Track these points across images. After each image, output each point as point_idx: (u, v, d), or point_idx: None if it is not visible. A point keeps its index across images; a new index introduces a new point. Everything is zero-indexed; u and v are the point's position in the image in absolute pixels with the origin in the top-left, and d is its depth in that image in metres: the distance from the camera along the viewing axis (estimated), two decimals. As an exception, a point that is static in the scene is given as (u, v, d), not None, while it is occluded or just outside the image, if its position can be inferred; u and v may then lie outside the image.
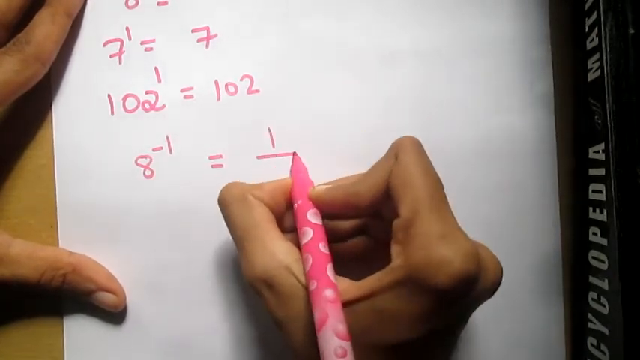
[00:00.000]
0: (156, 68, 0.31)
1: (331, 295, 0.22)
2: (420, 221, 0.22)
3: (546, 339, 0.30)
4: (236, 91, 0.31)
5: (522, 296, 0.30)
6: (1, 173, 0.31)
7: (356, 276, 0.24)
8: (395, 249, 0.23)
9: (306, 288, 0.23)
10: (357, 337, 0.22)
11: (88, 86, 0.31)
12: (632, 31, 0.25)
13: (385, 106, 0.30)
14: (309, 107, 0.30)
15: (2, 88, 0.28)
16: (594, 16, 0.27)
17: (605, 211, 0.27)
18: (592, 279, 0.28)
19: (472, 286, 0.21)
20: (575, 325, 0.30)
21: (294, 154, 0.29)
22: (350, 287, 0.23)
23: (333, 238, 0.27)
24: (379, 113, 0.30)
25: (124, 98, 0.31)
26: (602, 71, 0.26)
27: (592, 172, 0.28)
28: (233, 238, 0.26)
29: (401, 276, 0.21)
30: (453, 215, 0.23)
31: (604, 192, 0.27)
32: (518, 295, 0.30)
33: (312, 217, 0.25)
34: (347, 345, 0.21)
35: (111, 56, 0.31)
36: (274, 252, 0.24)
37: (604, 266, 0.27)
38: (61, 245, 0.31)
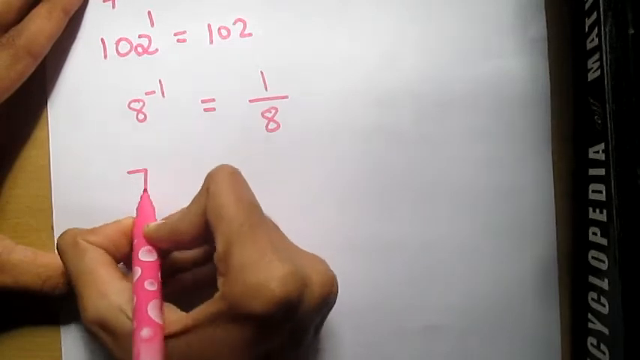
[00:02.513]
0: (149, 12, 0.31)
1: (146, 334, 0.23)
2: (232, 251, 0.22)
3: (546, 339, 0.30)
4: (229, 35, 0.31)
5: (522, 296, 0.30)
6: (1, 173, 0.31)
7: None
8: (219, 281, 0.23)
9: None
10: None
11: (82, 32, 0.31)
12: (632, 31, 0.25)
13: (379, 49, 0.30)
14: (301, 50, 0.30)
15: None
16: (594, 16, 0.27)
17: (605, 211, 0.27)
18: (592, 279, 0.28)
19: (293, 306, 0.22)
20: (575, 325, 0.30)
21: (145, 191, 0.30)
22: (181, 318, 0.23)
23: (184, 266, 0.28)
24: (373, 56, 0.30)
25: (117, 42, 0.31)
26: (602, 71, 0.26)
27: (592, 172, 0.28)
28: (71, 285, 0.26)
29: (222, 306, 0.22)
30: (271, 238, 0.24)
31: (604, 192, 0.27)
32: (518, 295, 0.30)
33: (145, 254, 0.26)
34: None
35: (104, 0, 0.31)
36: (107, 294, 0.25)
37: (604, 266, 0.27)
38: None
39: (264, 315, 0.21)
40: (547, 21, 0.30)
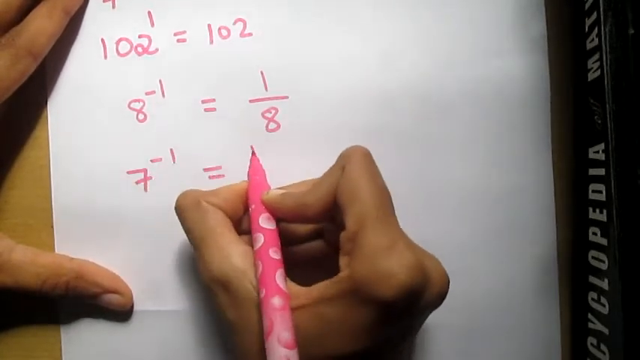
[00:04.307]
0: (149, 12, 0.31)
1: (279, 303, 0.22)
2: (365, 233, 0.22)
3: (546, 339, 0.30)
4: (229, 35, 0.31)
5: (522, 296, 0.30)
6: (1, 173, 0.31)
7: (313, 280, 0.24)
8: (342, 260, 0.23)
9: (258, 294, 0.23)
10: (304, 346, 0.22)
11: (82, 32, 0.31)
12: (632, 31, 0.25)
13: (379, 49, 0.30)
14: (302, 50, 0.30)
15: None
16: (594, 16, 0.27)
17: (605, 211, 0.27)
18: (592, 279, 0.28)
19: (417, 299, 0.22)
20: (575, 325, 0.30)
21: (253, 154, 0.29)
22: (299, 293, 0.23)
23: (291, 240, 0.28)
24: (373, 56, 0.30)
25: (117, 42, 0.31)
26: (602, 71, 0.26)
27: (592, 172, 0.28)
28: (191, 243, 0.26)
29: (347, 287, 0.22)
30: (398, 226, 0.24)
31: (604, 192, 0.27)
32: (518, 295, 0.30)
33: (265, 221, 0.26)
34: (292, 354, 0.21)
35: (104, 0, 0.31)
36: (231, 256, 0.24)
37: (604, 266, 0.27)
38: (57, 243, 0.31)
39: (390, 301, 0.21)
40: (547, 21, 0.30)
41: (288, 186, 0.28)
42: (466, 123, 0.30)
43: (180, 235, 0.30)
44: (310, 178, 0.28)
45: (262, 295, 0.23)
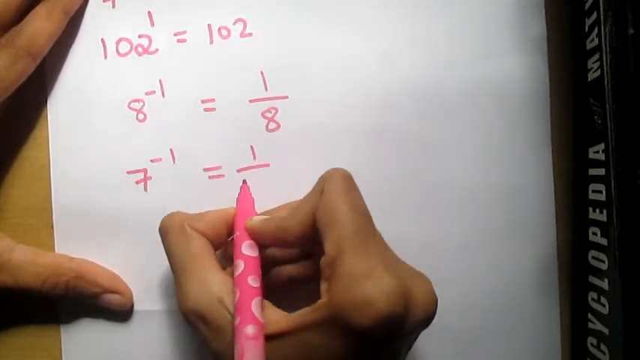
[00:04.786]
0: (149, 12, 0.31)
1: (252, 332, 0.22)
2: (343, 259, 0.22)
3: (546, 339, 0.30)
4: (229, 35, 0.31)
5: (522, 296, 0.30)
6: (1, 173, 0.31)
7: (299, 303, 0.24)
8: (322, 286, 0.23)
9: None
10: None
11: (82, 32, 0.31)
12: (632, 31, 0.25)
13: (379, 49, 0.30)
14: (302, 51, 0.30)
15: None
16: (594, 16, 0.27)
17: (605, 211, 0.27)
18: (592, 279, 0.28)
19: (398, 325, 0.21)
20: (575, 325, 0.30)
21: (244, 182, 0.29)
22: (280, 319, 0.23)
23: (278, 262, 0.28)
24: (373, 56, 0.30)
25: (117, 42, 0.31)
26: (602, 71, 0.26)
27: (592, 172, 0.28)
28: (171, 267, 0.26)
29: (326, 315, 0.22)
30: (380, 250, 0.23)
31: (604, 192, 0.27)
32: (518, 295, 0.30)
33: (247, 249, 0.25)
34: None
35: (104, 0, 0.31)
36: (208, 284, 0.24)
37: (604, 266, 0.27)
38: (57, 243, 0.31)
39: (368, 330, 0.21)
40: (547, 21, 0.30)
41: (271, 210, 0.28)
42: (466, 123, 0.30)
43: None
44: (308, 178, 0.28)
45: (236, 322, 0.23)
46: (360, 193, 0.25)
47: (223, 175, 0.30)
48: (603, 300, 0.27)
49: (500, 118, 0.30)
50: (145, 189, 0.31)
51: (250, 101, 0.30)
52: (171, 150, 0.31)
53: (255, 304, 0.23)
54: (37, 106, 0.31)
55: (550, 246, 0.30)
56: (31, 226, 0.31)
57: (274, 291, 0.26)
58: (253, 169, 0.30)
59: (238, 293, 0.24)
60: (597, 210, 0.27)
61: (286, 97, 0.30)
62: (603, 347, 0.27)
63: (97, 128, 0.31)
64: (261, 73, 0.30)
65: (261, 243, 0.26)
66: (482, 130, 0.30)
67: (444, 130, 0.30)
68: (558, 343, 0.30)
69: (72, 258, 0.30)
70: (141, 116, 0.31)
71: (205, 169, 0.30)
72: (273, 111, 0.30)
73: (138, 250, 0.31)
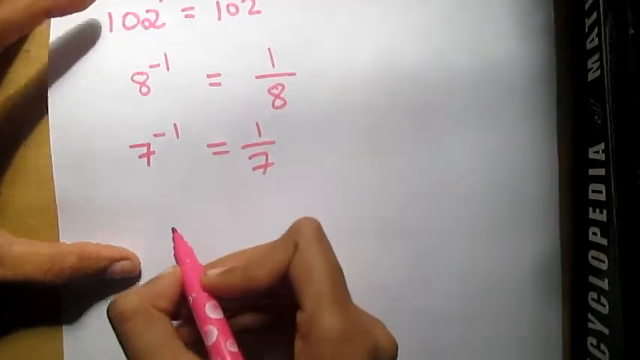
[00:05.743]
0: None
1: None
2: (322, 317, 0.22)
3: (546, 339, 0.30)
4: (237, 12, 0.30)
5: (522, 296, 0.30)
6: (1, 173, 0.31)
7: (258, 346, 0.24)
8: (298, 344, 0.23)
9: None
10: None
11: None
12: (632, 31, 0.25)
13: (388, 29, 0.30)
14: (310, 28, 0.30)
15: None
16: (594, 16, 0.27)
17: (605, 211, 0.27)
18: (592, 279, 0.28)
19: None
20: (575, 325, 0.30)
21: (174, 231, 0.27)
22: None
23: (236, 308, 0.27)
24: (381, 35, 0.30)
25: (124, 16, 0.31)
26: (602, 71, 0.26)
27: (592, 172, 0.28)
28: (131, 358, 0.24)
29: None
30: (351, 303, 0.24)
31: (604, 192, 0.27)
32: (518, 295, 0.30)
33: (212, 311, 0.24)
34: None
35: None
36: None
37: (604, 266, 0.27)
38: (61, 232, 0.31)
39: None
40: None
41: (216, 262, 0.27)
42: (466, 122, 0.30)
43: (184, 228, 0.30)
44: (314, 156, 0.27)
45: None
46: (330, 246, 0.24)
47: (228, 152, 0.30)
48: (603, 300, 0.27)
49: (502, 117, 0.30)
50: (148, 164, 0.30)
51: (257, 77, 0.30)
52: (175, 125, 0.30)
53: None
54: (38, 107, 0.31)
55: (551, 246, 0.30)
56: (32, 227, 0.31)
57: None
58: (258, 146, 0.30)
59: None
60: (597, 210, 0.27)
61: (293, 74, 0.30)
62: (603, 347, 0.27)
63: (99, 101, 0.30)
64: (269, 49, 0.30)
65: (225, 297, 0.25)
66: (482, 130, 0.30)
67: (444, 130, 0.30)
68: (558, 343, 0.30)
69: (70, 243, 0.30)
70: (144, 89, 0.30)
71: (209, 145, 0.30)
72: (279, 87, 0.30)
73: (141, 246, 0.30)
